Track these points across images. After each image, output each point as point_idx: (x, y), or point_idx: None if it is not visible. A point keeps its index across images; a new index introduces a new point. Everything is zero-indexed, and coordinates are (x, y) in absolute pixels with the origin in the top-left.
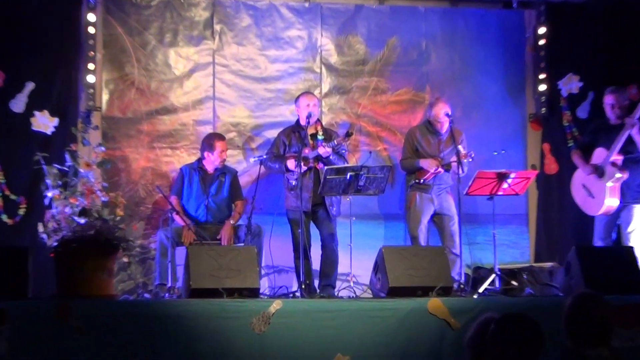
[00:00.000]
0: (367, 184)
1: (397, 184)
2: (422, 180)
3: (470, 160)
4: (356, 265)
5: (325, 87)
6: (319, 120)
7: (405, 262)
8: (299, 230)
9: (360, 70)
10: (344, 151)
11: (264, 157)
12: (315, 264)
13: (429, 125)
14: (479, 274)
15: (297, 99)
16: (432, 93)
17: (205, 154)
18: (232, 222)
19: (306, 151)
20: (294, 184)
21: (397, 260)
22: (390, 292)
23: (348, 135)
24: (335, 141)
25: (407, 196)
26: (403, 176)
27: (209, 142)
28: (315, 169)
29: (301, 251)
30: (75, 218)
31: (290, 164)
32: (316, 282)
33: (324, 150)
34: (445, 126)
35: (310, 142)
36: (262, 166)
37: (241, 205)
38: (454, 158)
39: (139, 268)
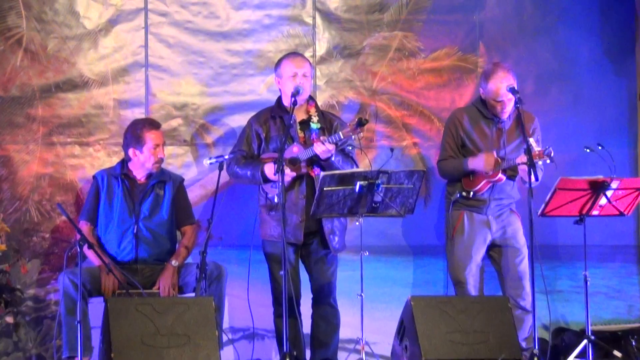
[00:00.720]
0: (387, 200)
1: (434, 198)
2: (472, 193)
3: (549, 161)
4: (370, 326)
5: (322, 48)
6: (312, 100)
7: (447, 321)
8: (281, 273)
9: (377, 21)
10: (351, 148)
11: (227, 157)
12: (307, 323)
13: (483, 107)
14: (562, 339)
15: (277, 65)
16: (489, 56)
17: (131, 152)
18: (174, 263)
19: (294, 149)
20: (275, 200)
21: (433, 318)
22: None
23: (361, 124)
24: (340, 133)
25: (448, 218)
26: (443, 187)
27: (134, 132)
28: (309, 176)
29: (284, 305)
30: None
31: (269, 169)
32: (308, 353)
33: (323, 148)
34: (508, 108)
35: (300, 134)
36: (226, 172)
37: (191, 233)
38: (523, 158)
39: (31, 333)
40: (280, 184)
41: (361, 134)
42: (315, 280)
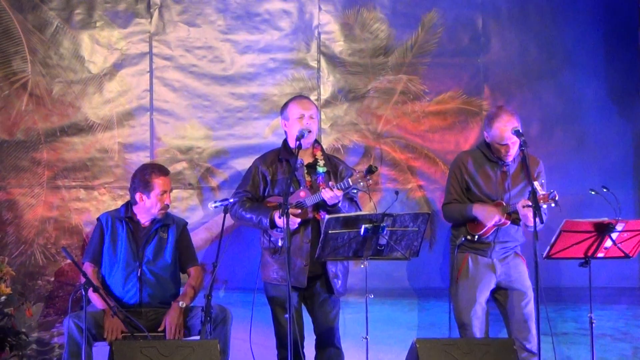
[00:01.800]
0: (392, 242)
1: (439, 241)
2: (477, 237)
3: (553, 204)
4: None
5: (326, 91)
6: (318, 143)
7: None
8: (286, 316)
9: (381, 64)
10: (355, 192)
11: (231, 201)
12: None
13: (487, 151)
14: None
15: (284, 108)
16: (493, 99)
17: (138, 196)
18: (181, 304)
19: (302, 194)
20: (280, 244)
21: None
22: None
23: (370, 171)
24: (350, 180)
25: (453, 261)
26: (448, 230)
27: (143, 178)
28: (315, 220)
29: (290, 349)
30: None
31: (278, 219)
32: None
33: (331, 194)
34: (513, 151)
35: (307, 178)
36: (231, 217)
37: (197, 274)
38: (526, 202)
39: None
40: (285, 227)
41: (370, 181)
42: (319, 323)
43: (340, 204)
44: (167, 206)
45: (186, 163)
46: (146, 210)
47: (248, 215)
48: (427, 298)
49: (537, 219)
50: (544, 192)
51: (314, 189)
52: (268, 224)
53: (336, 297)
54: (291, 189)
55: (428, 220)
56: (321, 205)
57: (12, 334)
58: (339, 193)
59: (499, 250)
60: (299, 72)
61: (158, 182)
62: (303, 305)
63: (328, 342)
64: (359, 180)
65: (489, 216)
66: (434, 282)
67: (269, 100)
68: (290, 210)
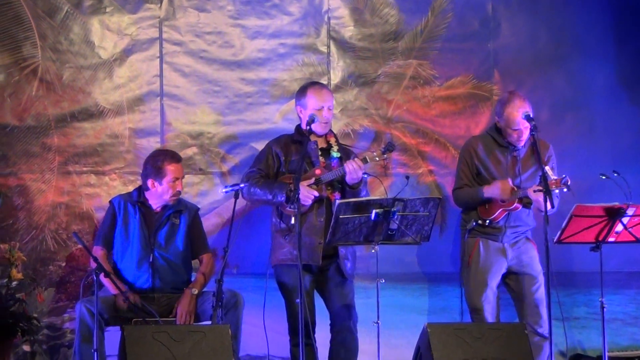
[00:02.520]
0: (403, 227)
1: (449, 226)
2: (488, 221)
3: (565, 189)
4: (387, 353)
5: (336, 76)
6: (331, 131)
7: (463, 348)
8: (297, 301)
9: (391, 49)
10: (365, 176)
11: (242, 185)
12: (323, 352)
13: (498, 135)
14: None
15: (302, 95)
16: (504, 84)
17: (150, 183)
18: (193, 291)
19: (317, 172)
20: (292, 222)
21: (450, 345)
22: None
23: (389, 149)
24: (367, 157)
25: (464, 246)
26: (458, 214)
27: (155, 164)
28: (328, 200)
29: (301, 333)
30: None
31: (309, 195)
32: None
33: (354, 166)
34: (524, 136)
35: (321, 159)
36: (243, 196)
37: (208, 261)
38: (537, 187)
39: None
40: (297, 208)
41: (387, 160)
42: (335, 306)
43: (361, 186)
44: (179, 193)
45: (196, 148)
46: (158, 196)
47: (262, 191)
48: (438, 283)
49: (549, 204)
50: (555, 177)
51: (328, 169)
52: (284, 198)
53: (347, 280)
54: (306, 170)
55: (439, 204)
56: (337, 187)
57: (23, 319)
58: (362, 168)
59: (510, 235)
60: (309, 57)
61: (170, 169)
62: (315, 291)
63: (344, 324)
64: (376, 158)
65: (503, 190)
66: (445, 267)
67: (279, 85)
68: (306, 183)
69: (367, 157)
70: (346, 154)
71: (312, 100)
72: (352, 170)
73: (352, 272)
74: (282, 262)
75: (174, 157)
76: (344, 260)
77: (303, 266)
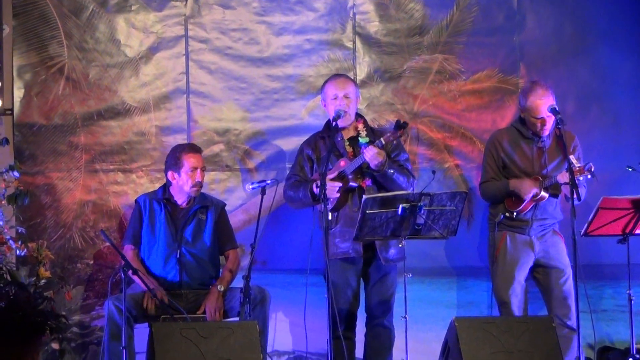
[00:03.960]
0: (429, 222)
1: (476, 220)
2: (515, 214)
3: (589, 176)
4: (415, 348)
5: (362, 71)
6: (361, 117)
7: (491, 341)
8: (325, 296)
9: (417, 44)
10: (406, 159)
11: (269, 182)
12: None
13: (523, 127)
14: (607, 358)
15: (322, 88)
16: (529, 77)
17: (170, 175)
18: (220, 287)
19: (342, 164)
20: (329, 218)
21: (477, 339)
22: None
23: (400, 126)
24: (382, 139)
25: (492, 240)
26: (485, 208)
27: (174, 156)
28: (361, 190)
29: (329, 327)
30: None
31: (316, 188)
32: None
33: (372, 152)
34: (548, 125)
35: (349, 149)
36: (284, 197)
37: (235, 257)
38: (564, 176)
39: (77, 359)
40: (327, 203)
41: (402, 137)
42: (372, 299)
43: (386, 168)
44: (199, 183)
45: (223, 145)
46: (180, 189)
47: (294, 194)
48: (465, 277)
49: (575, 194)
50: (579, 165)
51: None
52: (309, 196)
53: (385, 263)
54: (334, 162)
55: (465, 198)
56: (367, 173)
57: (52, 317)
58: (381, 152)
59: (537, 228)
60: (335, 53)
61: (187, 158)
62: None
63: (379, 320)
64: (390, 138)
65: (528, 188)
66: (472, 261)
67: (305, 81)
68: (329, 177)
69: (382, 140)
70: (378, 137)
71: (328, 90)
72: (372, 156)
73: (394, 257)
74: (331, 256)
75: (192, 147)
76: (380, 247)
77: (348, 259)
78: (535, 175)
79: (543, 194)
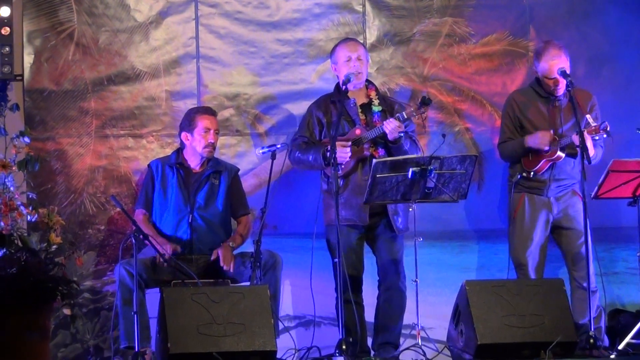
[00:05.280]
0: (440, 185)
1: (487, 183)
2: (532, 173)
3: (605, 135)
4: (426, 311)
5: (372, 35)
6: (372, 84)
7: (502, 304)
8: (335, 260)
9: (426, 7)
10: (413, 130)
11: (279, 146)
12: (369, 311)
13: (539, 87)
14: (618, 320)
15: (332, 52)
16: (539, 40)
17: (183, 136)
18: (231, 243)
19: (357, 131)
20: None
21: (488, 302)
22: (479, 354)
23: (425, 103)
24: (404, 113)
25: (510, 201)
26: (495, 172)
27: (188, 117)
28: (373, 157)
29: (339, 292)
30: None
31: (343, 151)
32: (370, 340)
33: (393, 125)
34: (562, 84)
35: (362, 117)
36: (290, 162)
37: (246, 223)
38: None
39: (88, 324)
40: (338, 168)
41: (425, 114)
42: (383, 260)
43: (402, 141)
44: (211, 144)
45: (233, 110)
46: (193, 150)
47: (304, 157)
48: (476, 240)
49: (592, 153)
50: (595, 124)
51: (369, 127)
52: (322, 160)
53: (398, 235)
54: (346, 129)
55: (475, 162)
56: (380, 143)
57: (63, 283)
58: (400, 125)
59: (555, 189)
60: (344, 16)
61: (201, 119)
62: (367, 246)
63: (393, 282)
64: (414, 113)
65: (542, 139)
66: (483, 224)
67: (315, 45)
68: (338, 142)
69: (405, 114)
70: (389, 106)
71: (340, 53)
72: (392, 129)
73: (403, 227)
74: (331, 222)
75: (206, 110)
76: (393, 216)
77: (351, 225)
78: (553, 132)
79: (559, 153)
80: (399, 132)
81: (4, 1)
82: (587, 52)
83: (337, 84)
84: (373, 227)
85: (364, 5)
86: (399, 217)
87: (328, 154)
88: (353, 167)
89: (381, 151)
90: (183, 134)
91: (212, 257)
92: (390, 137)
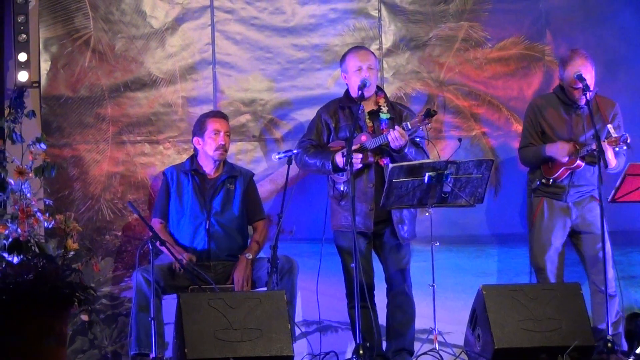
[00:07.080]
0: (456, 190)
1: (504, 188)
2: (551, 180)
3: (625, 147)
4: (443, 316)
5: (388, 40)
6: (381, 91)
7: (519, 309)
8: (352, 265)
9: (442, 12)
10: (419, 139)
11: (295, 151)
12: (383, 314)
13: (562, 94)
14: (636, 324)
15: (342, 60)
16: (556, 44)
17: (196, 141)
18: (248, 256)
19: (362, 138)
20: (342, 189)
21: (505, 306)
22: (496, 358)
23: (429, 115)
24: (409, 123)
25: (529, 205)
26: (512, 176)
27: (199, 121)
28: (378, 166)
29: (357, 297)
30: (5, 255)
31: (340, 158)
32: (384, 344)
33: (396, 135)
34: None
35: (369, 123)
36: (296, 165)
37: (262, 228)
38: (603, 143)
39: (106, 330)
40: (348, 173)
41: (429, 125)
42: (390, 270)
43: (406, 149)
44: (222, 146)
45: (249, 115)
46: (206, 155)
47: (312, 161)
48: (492, 244)
49: (611, 162)
50: (616, 135)
51: (376, 134)
52: (331, 166)
53: (404, 244)
54: (354, 135)
55: (492, 166)
56: (385, 151)
57: (80, 289)
58: (405, 135)
59: (574, 194)
60: (360, 21)
61: (210, 122)
62: (374, 253)
63: (399, 288)
64: (418, 124)
65: (561, 151)
66: (500, 229)
67: (330, 50)
68: (352, 149)
69: (409, 124)
70: (398, 113)
71: (351, 62)
72: (395, 138)
73: (409, 235)
74: (340, 227)
75: (216, 113)
76: (397, 225)
77: (359, 232)
78: (573, 143)
79: (579, 162)
80: (402, 143)
81: (20, 9)
82: (604, 56)
83: (347, 91)
84: (379, 234)
85: (379, 10)
86: (404, 226)
87: (338, 158)
88: (358, 174)
89: (386, 160)
90: (195, 139)
91: (229, 282)
92: (392, 145)
